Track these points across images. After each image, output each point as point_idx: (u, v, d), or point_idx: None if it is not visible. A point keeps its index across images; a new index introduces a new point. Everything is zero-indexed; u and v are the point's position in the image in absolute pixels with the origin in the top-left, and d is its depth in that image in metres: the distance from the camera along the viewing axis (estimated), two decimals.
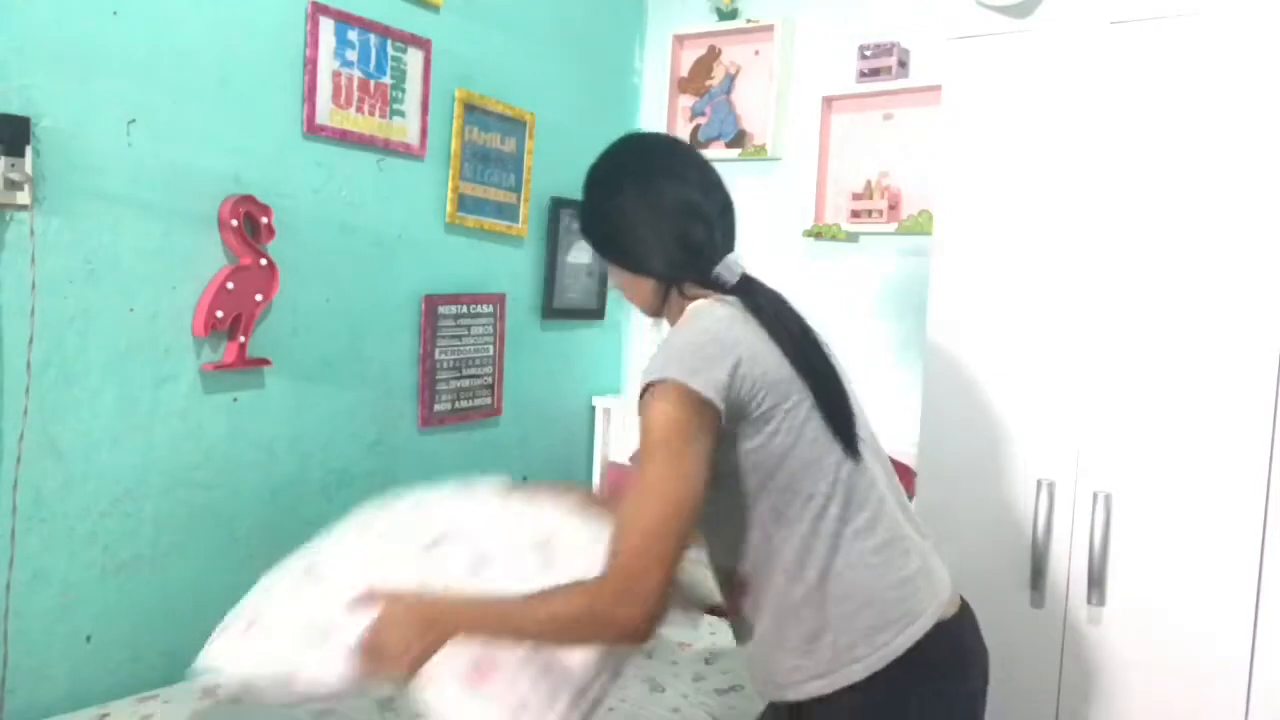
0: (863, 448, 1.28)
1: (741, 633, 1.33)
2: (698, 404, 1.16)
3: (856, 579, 1.23)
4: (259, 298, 1.96)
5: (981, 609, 1.53)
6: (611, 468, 2.90)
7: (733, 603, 1.33)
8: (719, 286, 1.31)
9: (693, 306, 1.30)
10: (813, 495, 1.23)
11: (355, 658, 1.21)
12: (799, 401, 1.23)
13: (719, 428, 1.18)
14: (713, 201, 1.37)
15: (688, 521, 1.15)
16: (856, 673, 1.22)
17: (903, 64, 2.50)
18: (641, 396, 1.20)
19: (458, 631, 1.20)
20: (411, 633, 1.20)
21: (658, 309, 1.39)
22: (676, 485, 1.14)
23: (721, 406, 1.17)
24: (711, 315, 1.26)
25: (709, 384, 1.16)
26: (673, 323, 1.34)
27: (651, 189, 1.34)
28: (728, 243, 1.36)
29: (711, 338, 1.21)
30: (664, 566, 1.12)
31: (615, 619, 1.12)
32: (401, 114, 2.24)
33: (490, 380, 2.57)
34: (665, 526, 1.13)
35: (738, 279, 1.32)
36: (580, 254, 2.83)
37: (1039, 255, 1.80)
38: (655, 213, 1.34)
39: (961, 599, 1.35)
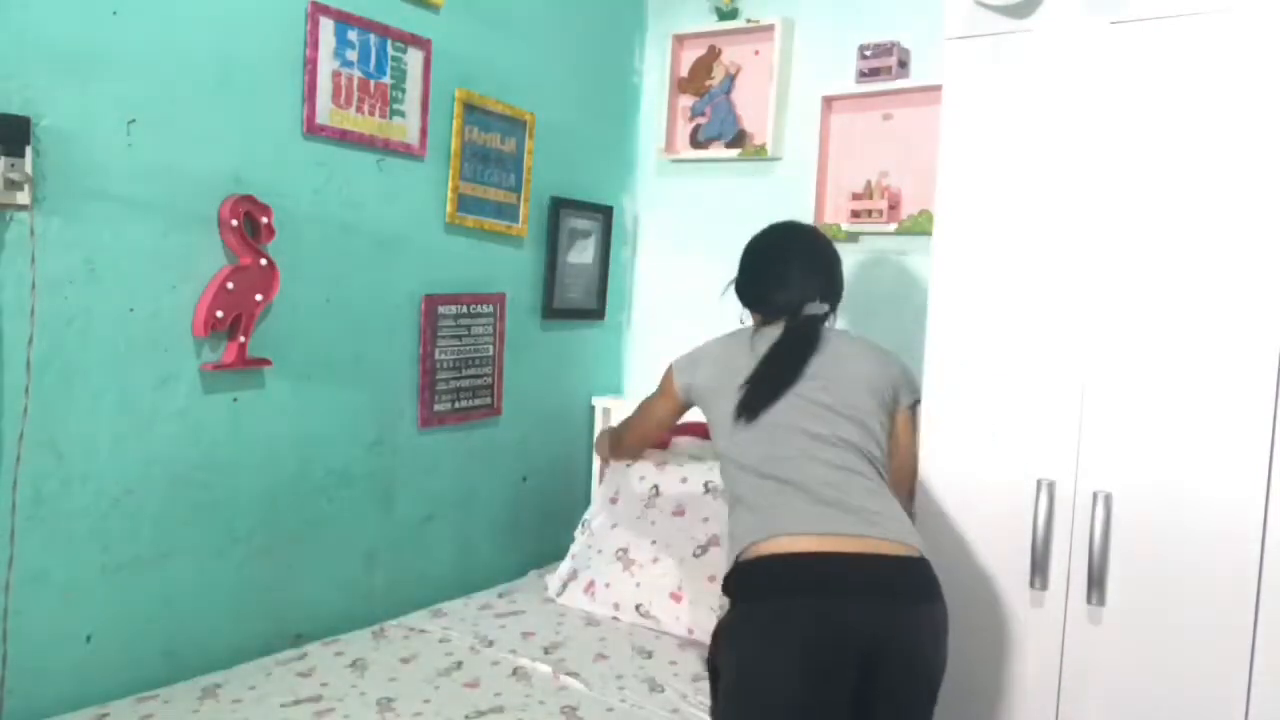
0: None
1: None
2: None
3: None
4: (259, 298, 1.96)
5: (981, 609, 1.54)
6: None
7: None
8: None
9: None
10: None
11: None
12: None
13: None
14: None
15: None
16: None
17: (903, 64, 2.50)
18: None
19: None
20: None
21: None
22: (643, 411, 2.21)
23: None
24: None
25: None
26: None
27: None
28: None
29: None
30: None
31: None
32: (401, 114, 2.25)
33: (490, 380, 2.57)
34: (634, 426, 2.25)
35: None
36: (580, 254, 2.83)
37: (1039, 255, 1.80)
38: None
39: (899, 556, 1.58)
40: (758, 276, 1.96)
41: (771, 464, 1.69)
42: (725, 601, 2.16)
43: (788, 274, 1.91)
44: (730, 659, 1.58)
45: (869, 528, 1.60)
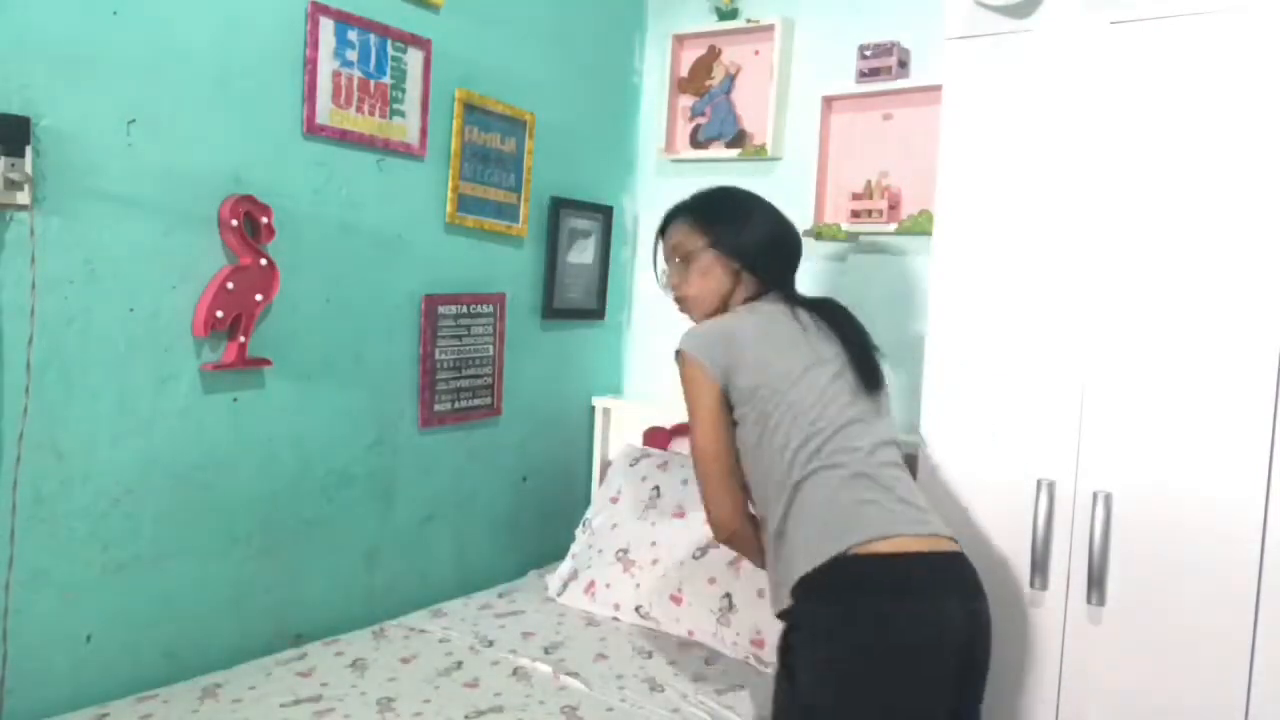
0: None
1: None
2: None
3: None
4: (259, 298, 1.96)
5: None
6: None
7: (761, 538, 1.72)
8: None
9: None
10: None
11: None
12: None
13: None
14: None
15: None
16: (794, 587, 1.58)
17: (903, 64, 2.50)
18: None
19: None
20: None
21: None
22: (705, 441, 1.74)
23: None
24: None
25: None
26: None
27: None
28: None
29: None
30: (725, 507, 1.72)
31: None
32: (401, 114, 2.25)
33: (490, 380, 2.57)
34: (717, 478, 1.73)
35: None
36: (580, 254, 2.83)
37: (1039, 255, 1.80)
38: None
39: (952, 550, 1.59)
40: (790, 236, 1.87)
41: (861, 459, 1.60)
42: (726, 603, 2.17)
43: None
44: (832, 659, 1.51)
45: (939, 525, 1.61)
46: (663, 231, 1.91)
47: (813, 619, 1.55)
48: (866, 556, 1.52)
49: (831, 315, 1.78)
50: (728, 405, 1.68)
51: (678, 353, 1.71)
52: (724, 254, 1.80)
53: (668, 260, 1.89)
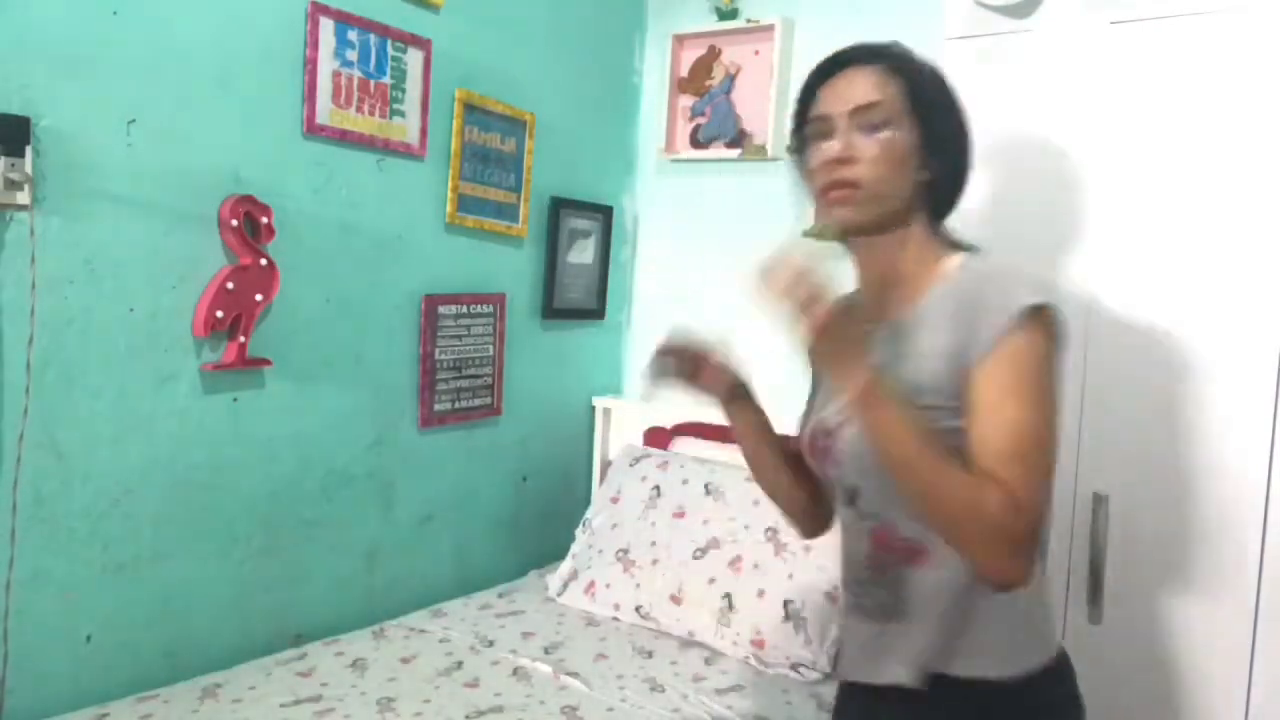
0: None
1: (887, 602, 1.19)
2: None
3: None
4: (259, 298, 1.96)
5: None
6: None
7: (888, 566, 1.19)
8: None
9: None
10: None
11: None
12: None
13: None
14: None
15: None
16: (1034, 662, 1.17)
17: None
18: (1019, 320, 1.08)
19: (873, 395, 1.08)
20: (846, 341, 1.09)
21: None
22: (1052, 433, 1.10)
23: None
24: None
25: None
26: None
27: None
28: None
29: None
30: (1045, 519, 1.10)
31: (1006, 526, 1.05)
32: (401, 114, 2.25)
33: (490, 380, 2.57)
34: (1049, 479, 1.09)
35: None
36: (580, 254, 2.83)
37: (1038, 255, 1.80)
38: None
39: None
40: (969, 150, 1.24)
41: None
42: (726, 603, 2.16)
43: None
44: None
45: None
46: (827, 74, 1.27)
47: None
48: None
49: None
50: None
51: (1038, 309, 1.10)
52: (926, 149, 1.19)
53: (834, 116, 1.20)
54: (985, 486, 1.06)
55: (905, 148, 1.18)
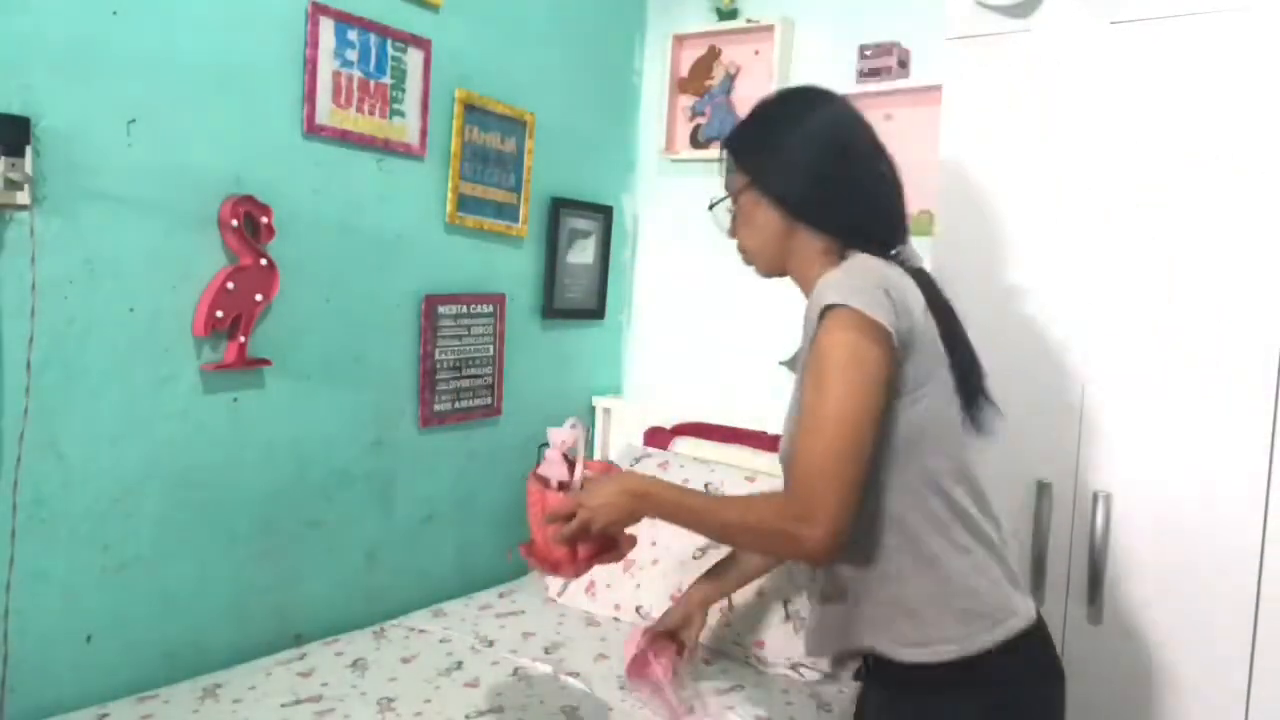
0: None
1: (828, 590, 1.38)
2: (880, 332, 1.19)
3: (960, 564, 1.27)
4: (259, 298, 1.96)
5: None
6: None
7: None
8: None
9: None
10: (938, 470, 1.28)
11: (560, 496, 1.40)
12: (941, 369, 1.29)
13: (894, 358, 1.22)
14: None
15: (867, 445, 1.19)
16: (949, 652, 1.26)
17: (903, 64, 2.50)
18: (821, 322, 1.22)
19: (660, 508, 1.31)
20: (617, 493, 1.33)
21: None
22: (854, 407, 1.18)
23: (896, 342, 1.21)
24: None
25: (886, 317, 1.20)
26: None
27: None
28: None
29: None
30: (843, 489, 1.17)
31: (797, 536, 1.19)
32: (401, 114, 2.25)
33: (490, 380, 2.57)
34: (844, 449, 1.17)
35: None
36: (580, 254, 2.83)
37: (1039, 255, 1.80)
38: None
39: (1038, 611, 1.37)
40: (886, 182, 1.34)
41: (985, 500, 1.34)
42: (726, 603, 2.16)
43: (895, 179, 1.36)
44: None
45: None
46: None
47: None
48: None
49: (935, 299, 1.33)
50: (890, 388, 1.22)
51: (830, 308, 1.20)
52: (764, 195, 1.33)
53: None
54: (769, 506, 1.27)
55: (762, 217, 1.36)
